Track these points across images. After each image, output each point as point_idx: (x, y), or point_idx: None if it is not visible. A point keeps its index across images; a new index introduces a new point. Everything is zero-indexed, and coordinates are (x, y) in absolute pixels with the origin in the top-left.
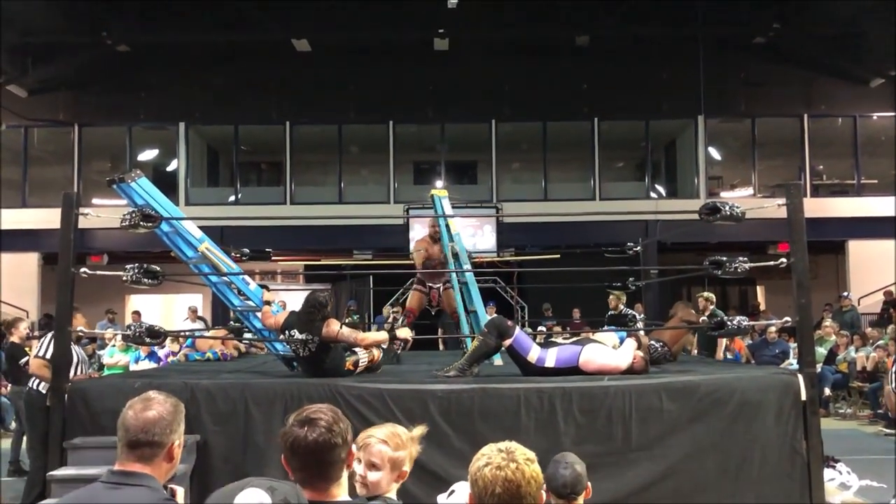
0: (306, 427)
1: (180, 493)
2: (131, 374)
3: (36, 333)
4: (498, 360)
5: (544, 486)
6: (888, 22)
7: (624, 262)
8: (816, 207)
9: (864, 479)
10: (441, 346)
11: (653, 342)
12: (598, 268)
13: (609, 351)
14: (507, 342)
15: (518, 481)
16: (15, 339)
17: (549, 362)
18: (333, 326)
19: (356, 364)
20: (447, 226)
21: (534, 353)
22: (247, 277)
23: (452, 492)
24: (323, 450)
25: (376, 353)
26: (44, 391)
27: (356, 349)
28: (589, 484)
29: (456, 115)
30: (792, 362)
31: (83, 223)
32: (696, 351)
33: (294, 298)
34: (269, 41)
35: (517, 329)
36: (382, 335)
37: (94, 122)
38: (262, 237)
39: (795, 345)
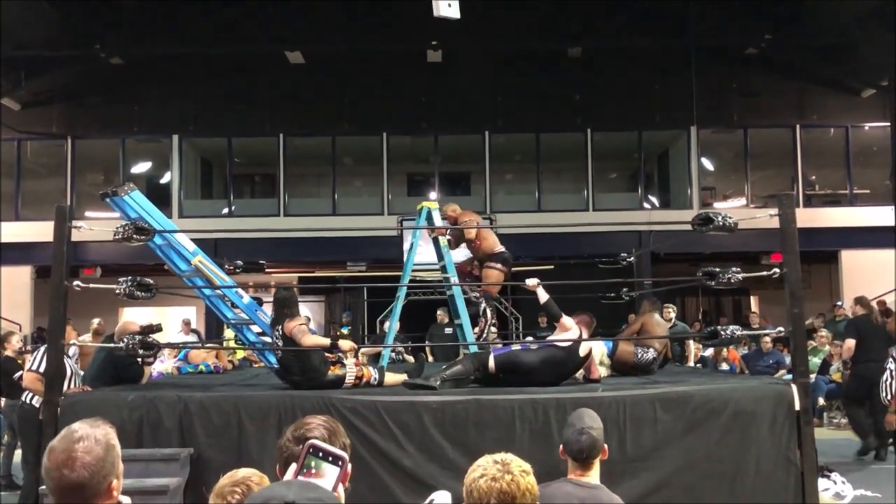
0: (301, 446)
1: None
2: (124, 388)
3: (29, 347)
4: None
5: (561, 447)
6: (880, 33)
7: (618, 273)
8: (809, 217)
9: (859, 488)
10: (430, 357)
11: (639, 349)
12: (593, 280)
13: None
14: (492, 364)
15: (513, 493)
16: (8, 352)
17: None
18: (290, 323)
19: (344, 377)
20: (436, 238)
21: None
22: (240, 290)
23: (431, 501)
24: None
25: (366, 372)
26: (37, 405)
27: (346, 362)
28: (606, 446)
29: (449, 126)
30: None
31: (76, 236)
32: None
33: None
34: (262, 53)
35: (490, 351)
36: (324, 340)
37: (88, 134)
38: (256, 249)
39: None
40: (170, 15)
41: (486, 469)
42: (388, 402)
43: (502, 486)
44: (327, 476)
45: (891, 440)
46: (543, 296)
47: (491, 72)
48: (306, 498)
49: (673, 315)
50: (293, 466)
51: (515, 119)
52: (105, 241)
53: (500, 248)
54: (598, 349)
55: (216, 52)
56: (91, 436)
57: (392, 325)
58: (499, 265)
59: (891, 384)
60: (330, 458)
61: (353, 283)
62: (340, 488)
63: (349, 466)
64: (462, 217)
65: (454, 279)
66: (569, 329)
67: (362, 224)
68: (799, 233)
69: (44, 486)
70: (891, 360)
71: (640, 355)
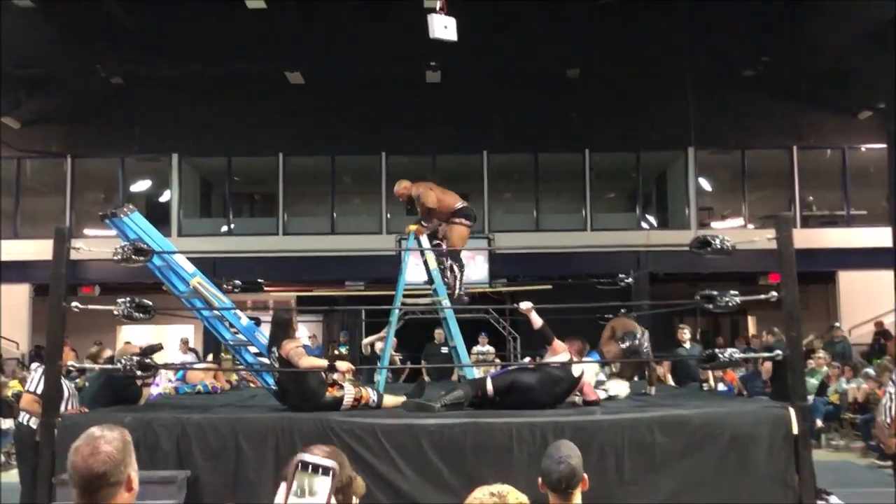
0: None
1: None
2: (121, 409)
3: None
4: None
5: (540, 480)
6: (877, 56)
7: (616, 294)
8: (806, 238)
9: None
10: (426, 377)
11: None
12: (592, 304)
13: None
14: (490, 388)
15: None
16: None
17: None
18: (287, 345)
19: (342, 399)
20: (426, 262)
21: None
22: (238, 311)
23: None
24: None
25: (365, 394)
26: (34, 426)
27: (343, 384)
28: (585, 476)
29: (448, 146)
30: None
31: (75, 254)
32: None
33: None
34: (262, 73)
35: (486, 375)
36: (322, 362)
37: (88, 153)
38: (255, 268)
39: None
40: (170, 35)
41: (483, 501)
42: (385, 425)
43: None
44: (320, 491)
45: (890, 463)
46: (537, 321)
47: (489, 92)
48: None
49: (688, 335)
50: (283, 487)
51: (514, 139)
52: (104, 259)
53: (460, 203)
54: (591, 368)
55: (216, 72)
56: (109, 434)
57: (387, 348)
58: (462, 219)
59: (890, 407)
60: (320, 471)
61: (352, 302)
62: (334, 500)
63: (339, 471)
64: (416, 189)
65: (445, 301)
66: (559, 352)
67: (361, 243)
68: (796, 253)
69: None
70: (890, 383)
71: (626, 344)
